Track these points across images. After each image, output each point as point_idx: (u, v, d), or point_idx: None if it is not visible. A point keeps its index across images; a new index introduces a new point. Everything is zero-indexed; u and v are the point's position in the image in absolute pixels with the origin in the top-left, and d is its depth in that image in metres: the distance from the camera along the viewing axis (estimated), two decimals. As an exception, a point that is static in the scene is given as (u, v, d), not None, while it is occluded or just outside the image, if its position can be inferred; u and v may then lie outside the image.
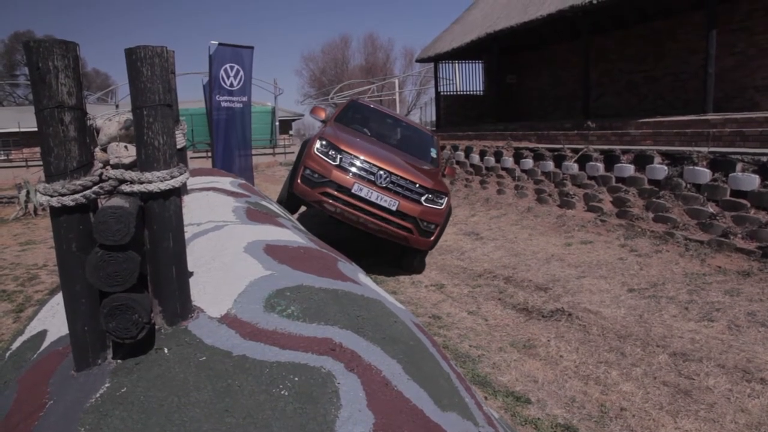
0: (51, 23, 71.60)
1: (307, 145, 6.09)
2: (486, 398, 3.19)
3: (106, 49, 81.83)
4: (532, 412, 3.07)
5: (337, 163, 5.62)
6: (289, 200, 6.33)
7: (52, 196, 1.19)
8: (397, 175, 5.71)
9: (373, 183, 5.61)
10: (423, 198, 5.79)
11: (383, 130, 7.48)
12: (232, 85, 8.49)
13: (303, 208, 8.17)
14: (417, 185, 5.79)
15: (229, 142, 8.70)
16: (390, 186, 5.65)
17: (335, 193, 5.56)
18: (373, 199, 5.56)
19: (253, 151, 9.69)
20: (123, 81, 32.76)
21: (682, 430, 2.90)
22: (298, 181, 5.73)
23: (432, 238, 5.96)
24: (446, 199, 5.98)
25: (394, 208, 5.63)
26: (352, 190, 5.54)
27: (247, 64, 8.61)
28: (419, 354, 1.53)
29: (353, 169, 5.62)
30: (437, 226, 5.91)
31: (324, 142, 5.74)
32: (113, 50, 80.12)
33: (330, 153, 5.67)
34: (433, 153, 7.46)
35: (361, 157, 5.68)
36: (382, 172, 5.66)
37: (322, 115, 6.96)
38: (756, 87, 9.91)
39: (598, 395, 3.28)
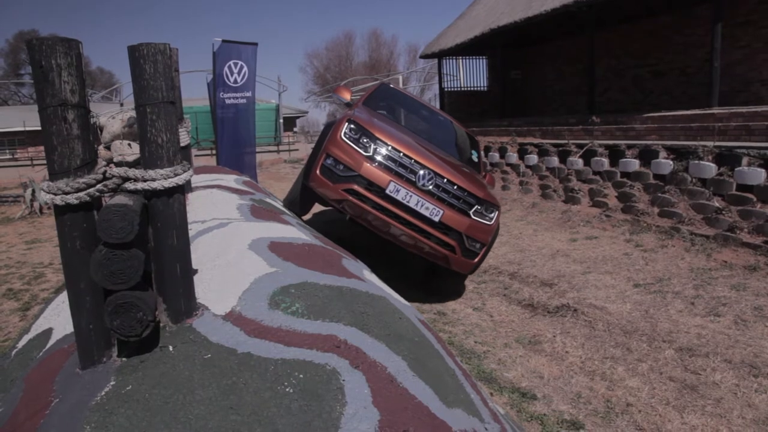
0: (55, 22, 71.72)
1: (329, 128, 4.79)
2: (492, 394, 3.19)
3: (110, 47, 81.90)
4: (538, 408, 3.06)
5: (370, 153, 4.39)
6: (303, 197, 5.09)
7: (56, 195, 1.19)
8: (443, 178, 4.49)
9: (413, 184, 4.39)
10: (472, 210, 4.60)
11: (418, 123, 6.22)
12: (236, 82, 8.50)
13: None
14: (466, 193, 4.58)
15: (233, 140, 8.71)
16: (433, 191, 4.44)
17: (363, 191, 4.32)
18: (411, 204, 4.36)
19: (258, 149, 9.68)
20: (127, 79, 32.77)
21: (689, 426, 2.89)
22: (317, 171, 4.44)
23: (476, 260, 4.73)
24: (497, 213, 4.82)
25: (436, 219, 4.41)
26: (387, 191, 4.32)
27: (251, 61, 8.61)
28: (424, 350, 1.53)
29: (390, 164, 4.40)
30: (484, 246, 4.71)
31: (353, 126, 4.47)
32: (118, 48, 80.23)
33: (361, 140, 4.44)
34: (474, 156, 6.31)
35: (401, 150, 4.45)
36: (425, 172, 4.43)
37: (348, 97, 5.74)
38: (762, 81, 9.84)
39: (604, 391, 3.27)
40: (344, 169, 4.38)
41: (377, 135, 4.47)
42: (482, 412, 1.51)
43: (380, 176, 4.35)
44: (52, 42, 1.17)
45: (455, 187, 4.54)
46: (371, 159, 4.39)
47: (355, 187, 4.33)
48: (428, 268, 5.53)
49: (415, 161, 4.47)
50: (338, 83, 35.40)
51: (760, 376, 3.36)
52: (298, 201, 5.07)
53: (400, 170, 4.42)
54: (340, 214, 5.15)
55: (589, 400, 3.16)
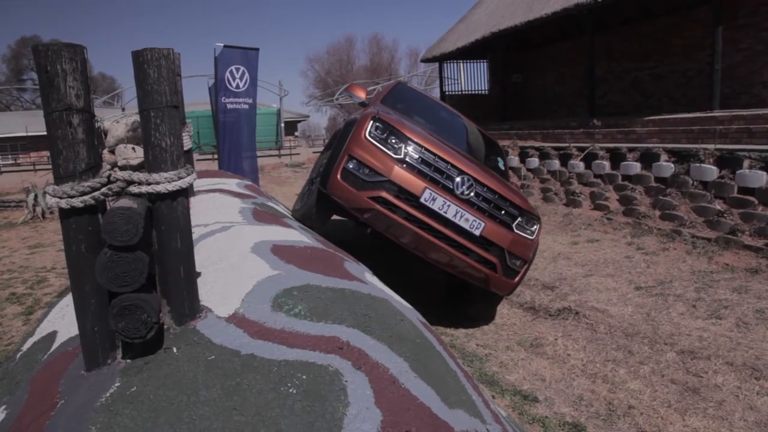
0: (57, 28, 72.00)
1: (351, 126, 4.13)
2: (493, 397, 3.19)
3: (111, 52, 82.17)
4: (540, 411, 3.07)
5: (400, 156, 3.79)
6: (320, 208, 4.27)
7: (61, 198, 1.20)
8: (483, 185, 3.92)
9: (451, 192, 3.81)
10: (515, 222, 4.04)
11: (439, 125, 5.30)
12: (237, 86, 8.52)
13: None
14: (508, 203, 4.01)
15: (235, 144, 8.73)
16: (473, 200, 3.86)
17: (393, 200, 3.71)
18: (449, 215, 3.77)
19: (259, 153, 9.68)
20: (129, 84, 32.92)
21: (691, 428, 2.89)
22: (338, 177, 3.81)
23: (516, 280, 4.15)
24: (538, 226, 4.26)
25: (476, 233, 3.84)
26: (421, 199, 3.73)
27: (253, 66, 8.64)
28: (426, 352, 1.54)
29: (423, 168, 3.81)
30: (525, 263, 4.15)
31: (379, 124, 3.88)
32: (119, 54, 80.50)
33: (390, 141, 3.84)
34: (501, 163, 5.58)
35: (436, 153, 3.87)
36: (463, 179, 3.85)
37: (363, 95, 5.09)
38: (763, 83, 9.85)
39: (605, 393, 3.27)
40: (370, 174, 3.77)
41: (408, 135, 3.88)
42: (484, 413, 1.51)
43: (414, 182, 3.74)
44: (58, 47, 1.19)
45: (496, 196, 3.96)
46: (402, 162, 3.78)
47: (384, 194, 3.71)
48: (453, 286, 4.99)
49: (452, 166, 3.87)
50: (339, 86, 35.45)
51: (761, 378, 3.36)
52: (314, 212, 4.28)
53: (436, 176, 3.82)
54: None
55: (591, 403, 3.17)
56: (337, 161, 3.92)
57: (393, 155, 3.80)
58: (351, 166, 3.81)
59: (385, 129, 3.87)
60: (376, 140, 3.83)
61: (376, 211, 3.75)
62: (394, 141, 3.84)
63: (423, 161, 3.83)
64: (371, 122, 3.89)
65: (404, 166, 3.78)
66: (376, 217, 3.82)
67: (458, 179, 3.85)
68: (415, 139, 3.87)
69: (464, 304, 4.77)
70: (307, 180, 4.88)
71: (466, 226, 3.82)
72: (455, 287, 4.97)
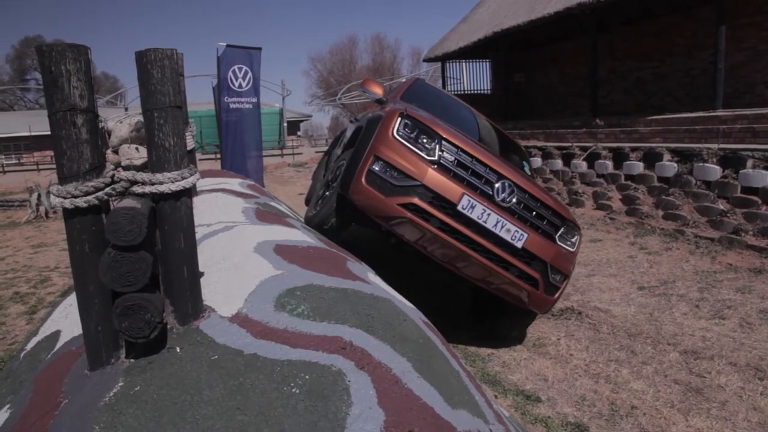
0: (60, 28, 72.20)
1: (375, 124, 3.64)
2: (496, 397, 3.19)
3: (114, 52, 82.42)
4: (543, 411, 3.07)
5: (434, 157, 3.37)
6: (341, 215, 3.77)
7: (65, 198, 1.20)
8: (525, 192, 3.53)
9: (490, 199, 3.40)
10: (558, 233, 3.67)
11: (464, 126, 4.71)
12: (240, 86, 8.53)
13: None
14: (551, 212, 3.63)
15: (238, 144, 8.74)
16: (514, 208, 3.47)
17: (427, 207, 3.29)
18: (489, 225, 3.37)
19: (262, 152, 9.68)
20: (131, 84, 32.99)
21: (694, 429, 2.89)
22: (362, 180, 3.38)
23: (555, 296, 3.79)
24: (579, 237, 3.90)
25: (518, 245, 3.45)
26: (459, 206, 3.31)
27: (255, 66, 8.64)
28: (429, 352, 1.54)
29: (460, 172, 3.40)
30: (565, 278, 3.80)
31: (408, 122, 3.47)
32: (121, 54, 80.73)
33: (420, 140, 3.43)
34: (526, 168, 5.18)
35: (474, 155, 3.46)
36: (504, 184, 3.44)
37: (379, 91, 4.57)
38: (766, 83, 9.82)
39: (608, 393, 3.27)
40: (400, 177, 3.34)
41: (442, 133, 3.45)
42: (487, 413, 1.51)
43: (450, 187, 3.32)
44: (62, 48, 1.19)
45: (538, 203, 3.57)
46: (436, 164, 3.36)
47: (416, 200, 3.29)
48: (479, 302, 4.58)
49: (491, 169, 3.45)
50: (342, 86, 35.45)
51: (765, 378, 3.36)
52: (333, 220, 3.79)
53: (474, 180, 3.41)
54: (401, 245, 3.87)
55: (594, 403, 3.16)
56: (360, 163, 3.45)
57: (425, 156, 3.36)
58: (377, 168, 3.38)
59: (415, 127, 3.46)
60: (405, 139, 3.41)
61: (409, 219, 3.31)
62: (425, 140, 3.43)
63: (459, 164, 3.41)
64: (399, 119, 3.47)
65: (438, 168, 3.35)
66: (405, 227, 3.39)
67: (498, 185, 3.43)
68: (450, 139, 3.45)
69: (490, 321, 4.37)
70: (322, 183, 4.32)
71: (507, 237, 3.41)
72: (482, 303, 4.53)
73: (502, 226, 3.40)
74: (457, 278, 3.86)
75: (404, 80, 6.92)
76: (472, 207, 3.34)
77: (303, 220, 4.15)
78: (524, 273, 3.52)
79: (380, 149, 3.41)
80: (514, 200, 3.46)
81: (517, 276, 3.52)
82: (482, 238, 3.38)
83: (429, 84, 6.06)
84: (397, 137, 3.42)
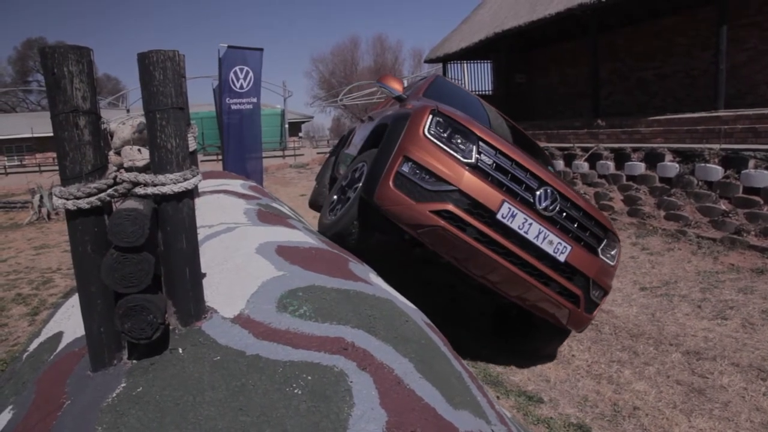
0: (62, 30, 72.35)
1: (402, 122, 3.30)
2: (498, 398, 3.19)
3: (116, 54, 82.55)
4: (545, 412, 3.06)
5: (471, 160, 3.03)
6: (363, 223, 3.35)
7: (67, 199, 1.21)
8: (567, 200, 3.22)
9: (531, 207, 3.09)
10: (601, 245, 3.39)
11: (490, 127, 4.21)
12: (241, 87, 8.53)
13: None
14: (593, 222, 3.35)
15: (239, 145, 8.75)
16: (556, 217, 3.16)
17: (464, 215, 2.95)
18: (530, 236, 3.06)
19: (263, 154, 9.69)
20: (133, 86, 33.06)
21: (696, 429, 2.88)
22: (390, 184, 3.04)
23: (594, 314, 3.52)
24: (619, 249, 3.62)
25: (561, 258, 3.15)
26: (498, 215, 2.99)
27: (257, 66, 8.65)
28: (431, 353, 1.54)
29: (500, 177, 3.08)
30: (605, 294, 3.54)
31: (440, 120, 3.14)
32: (123, 55, 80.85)
33: (455, 140, 3.09)
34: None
35: (513, 158, 3.15)
36: (546, 191, 3.13)
37: (399, 88, 4.23)
38: (768, 83, 9.83)
39: (610, 394, 3.27)
40: (433, 181, 2.99)
41: (479, 134, 3.12)
42: (489, 414, 1.51)
43: (489, 193, 2.98)
44: (64, 50, 1.19)
45: (581, 213, 3.28)
46: (473, 167, 3.02)
47: (451, 207, 2.94)
48: (503, 317, 4.27)
49: (531, 174, 3.14)
50: (343, 87, 35.46)
51: (767, 379, 3.35)
52: (355, 229, 3.38)
53: (514, 186, 3.08)
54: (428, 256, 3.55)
55: (596, 404, 3.16)
56: (387, 164, 3.12)
57: (461, 158, 3.02)
58: (406, 170, 3.04)
59: (448, 125, 3.12)
60: (437, 139, 3.08)
61: (440, 228, 2.96)
62: (459, 141, 3.09)
63: (498, 167, 3.08)
64: (430, 117, 3.14)
65: (476, 172, 3.01)
66: (437, 236, 3.03)
67: (540, 192, 3.11)
68: (488, 140, 3.13)
69: (516, 339, 4.05)
70: (335, 188, 3.94)
71: (549, 250, 3.10)
72: (508, 320, 4.19)
73: (544, 238, 3.08)
74: (462, 280, 3.66)
75: (420, 77, 6.51)
76: (513, 216, 3.01)
77: (304, 222, 4.08)
78: (566, 289, 3.23)
79: (410, 149, 3.07)
80: (556, 210, 3.14)
81: (557, 292, 3.22)
82: (522, 250, 3.06)
83: (449, 81, 5.69)
84: (429, 136, 3.09)
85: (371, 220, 3.29)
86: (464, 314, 4.77)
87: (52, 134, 1.23)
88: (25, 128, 28.82)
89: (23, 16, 70.99)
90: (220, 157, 10.39)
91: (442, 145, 3.05)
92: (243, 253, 1.82)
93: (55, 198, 1.24)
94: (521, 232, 3.03)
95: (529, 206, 3.07)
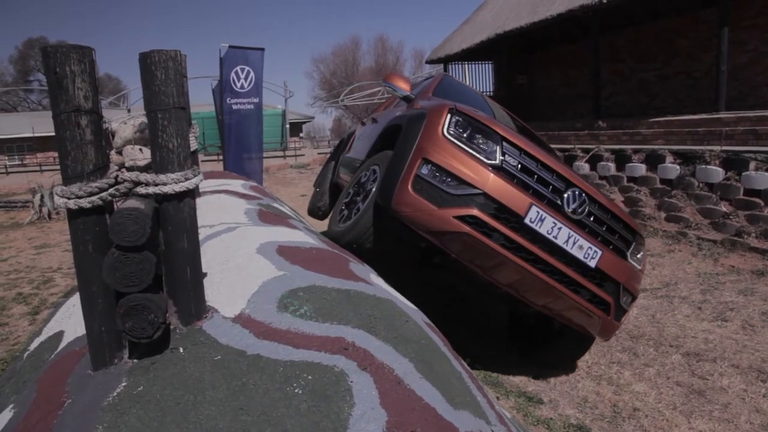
0: (63, 29, 72.47)
1: (417, 122, 3.13)
2: (498, 398, 3.19)
3: (117, 54, 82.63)
4: (545, 413, 3.06)
5: (495, 161, 2.85)
6: (379, 229, 3.18)
7: (69, 199, 1.21)
8: (595, 202, 3.07)
9: (559, 210, 2.92)
10: (630, 249, 3.25)
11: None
12: (242, 87, 8.54)
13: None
14: (621, 224, 3.20)
15: (240, 145, 8.76)
16: (585, 221, 3.01)
17: (489, 220, 2.77)
18: (559, 241, 2.89)
19: (264, 154, 9.69)
20: (134, 85, 33.08)
21: (696, 431, 2.88)
22: (409, 188, 2.86)
23: (622, 321, 3.37)
24: (644, 252, 3.49)
25: (591, 264, 2.99)
26: (526, 219, 2.81)
27: (258, 66, 8.66)
28: (431, 353, 1.54)
29: (526, 179, 2.90)
30: (633, 300, 3.39)
31: (460, 119, 2.96)
32: (125, 55, 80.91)
33: (476, 140, 2.92)
34: None
35: (539, 158, 2.98)
36: (574, 193, 2.97)
37: (407, 87, 4.01)
38: (769, 84, 9.83)
39: (610, 395, 3.27)
40: (456, 184, 2.80)
41: (502, 133, 2.95)
42: (489, 414, 1.52)
43: (516, 197, 2.80)
44: (66, 49, 1.19)
45: (609, 215, 3.13)
46: (498, 169, 2.84)
47: (476, 212, 2.75)
48: (520, 324, 4.05)
49: (558, 176, 2.98)
50: (344, 87, 35.46)
51: (767, 381, 3.35)
52: (370, 237, 3.20)
53: (541, 188, 2.91)
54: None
55: (596, 405, 3.16)
56: (404, 168, 2.93)
57: (485, 160, 2.84)
58: (425, 173, 2.85)
59: (468, 125, 2.94)
60: (457, 139, 2.89)
61: (465, 235, 2.76)
62: (481, 141, 2.91)
63: (523, 169, 2.90)
64: (449, 116, 2.97)
65: (501, 174, 2.83)
66: (461, 243, 2.83)
67: (568, 194, 2.94)
68: (512, 140, 2.95)
69: (535, 348, 3.84)
70: (345, 193, 3.76)
71: (579, 255, 2.94)
72: (526, 328, 3.97)
73: (574, 242, 2.92)
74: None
75: (423, 77, 6.28)
76: (542, 220, 2.83)
77: (304, 222, 4.03)
78: (596, 296, 3.07)
79: (428, 150, 2.88)
80: (585, 213, 2.98)
81: (587, 300, 3.05)
82: (551, 256, 2.88)
83: (456, 80, 5.55)
84: (448, 136, 2.90)
85: (388, 227, 3.12)
86: (464, 314, 4.77)
87: (53, 134, 1.23)
88: (26, 128, 28.85)
89: (24, 15, 71.11)
90: (220, 157, 10.40)
91: (463, 145, 2.87)
92: (244, 253, 1.82)
93: (56, 197, 1.24)
94: (550, 237, 2.86)
95: (557, 209, 2.90)
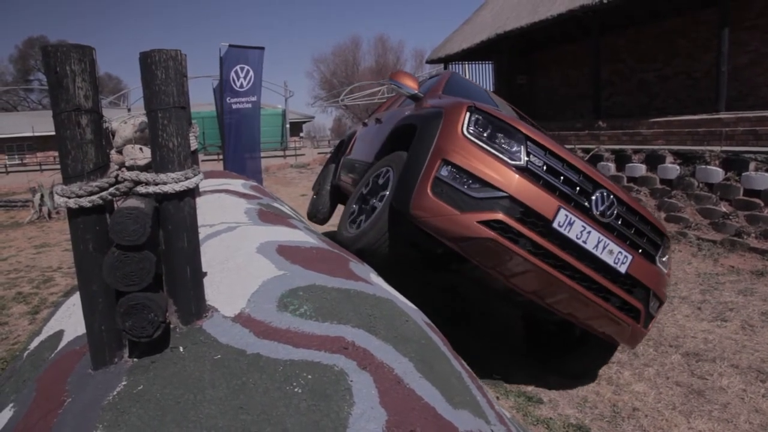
0: (63, 28, 72.47)
1: (432, 121, 2.98)
2: (498, 398, 3.19)
3: (117, 53, 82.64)
4: (544, 412, 3.07)
5: (521, 162, 2.70)
6: (395, 235, 3.02)
7: (69, 198, 1.21)
8: (623, 203, 2.91)
9: (587, 213, 2.76)
10: (658, 252, 3.09)
11: None
12: (242, 86, 8.55)
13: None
14: (649, 227, 3.05)
15: (240, 145, 8.76)
16: (614, 224, 2.84)
17: (516, 224, 2.60)
18: (589, 245, 2.72)
19: (264, 154, 9.70)
20: (135, 85, 33.09)
21: (696, 431, 2.88)
22: (428, 191, 2.69)
23: (649, 328, 3.21)
24: (670, 254, 3.35)
25: (622, 269, 2.83)
26: (554, 223, 2.65)
27: (258, 65, 8.66)
28: (431, 353, 1.54)
29: (552, 180, 2.73)
30: (660, 305, 3.25)
31: (480, 118, 2.80)
32: (125, 55, 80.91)
33: (498, 140, 2.75)
34: None
35: (564, 158, 2.82)
36: (603, 195, 2.81)
37: (414, 86, 3.85)
38: (769, 85, 9.83)
39: (610, 395, 3.27)
40: (479, 187, 2.63)
41: (525, 132, 2.78)
42: (488, 414, 1.52)
43: (544, 199, 2.64)
44: (67, 49, 1.19)
45: (637, 217, 2.96)
46: (523, 170, 2.67)
47: (502, 216, 2.57)
48: (539, 331, 3.89)
49: (585, 176, 2.81)
50: (344, 87, 35.45)
51: (767, 381, 3.35)
52: (386, 243, 3.03)
53: (567, 190, 2.74)
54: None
55: (596, 405, 3.16)
56: (422, 169, 2.77)
57: (509, 160, 2.67)
58: (445, 174, 2.68)
59: (488, 124, 2.78)
60: (478, 138, 2.73)
61: (490, 241, 2.57)
62: (503, 141, 2.74)
63: (549, 170, 2.74)
64: (468, 114, 2.80)
65: (527, 176, 2.66)
66: (484, 250, 2.64)
67: (597, 195, 2.78)
68: (536, 139, 2.78)
69: (555, 358, 3.66)
70: (355, 196, 3.57)
71: (609, 260, 2.77)
72: (544, 335, 3.82)
73: (604, 247, 2.75)
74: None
75: (426, 76, 6.03)
76: (570, 224, 2.67)
77: (304, 222, 4.00)
78: (626, 303, 2.91)
79: (448, 151, 2.71)
80: (614, 214, 2.82)
81: (617, 307, 2.88)
82: (580, 262, 2.72)
83: (464, 78, 5.34)
84: (468, 136, 2.73)
85: (403, 232, 2.96)
86: (464, 314, 4.77)
87: (53, 133, 1.23)
88: (26, 127, 28.83)
89: (24, 14, 71.12)
90: (220, 156, 10.40)
91: (484, 145, 2.70)
92: (244, 253, 1.82)
93: (56, 196, 1.24)
94: (579, 241, 2.69)
95: (585, 212, 2.74)
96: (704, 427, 2.90)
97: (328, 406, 1.16)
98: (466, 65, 18.71)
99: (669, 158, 7.95)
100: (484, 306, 4.94)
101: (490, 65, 18.19)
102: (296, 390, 1.18)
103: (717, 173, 7.10)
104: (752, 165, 6.70)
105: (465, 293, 5.12)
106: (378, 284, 1.88)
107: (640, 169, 8.37)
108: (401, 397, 1.24)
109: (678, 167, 7.73)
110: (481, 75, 18.59)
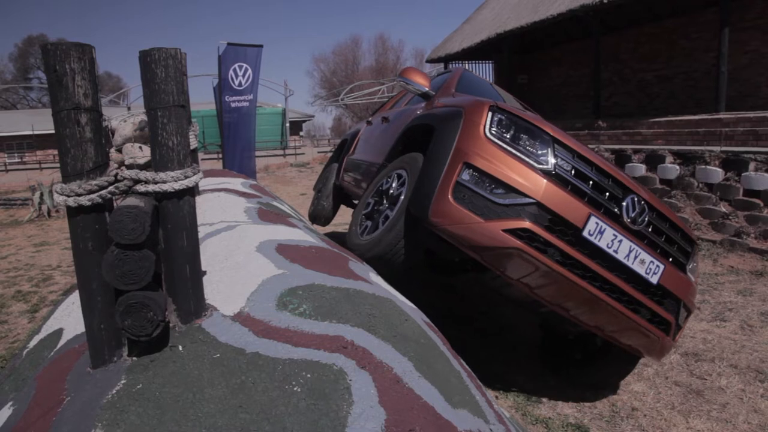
0: (63, 27, 72.44)
1: (451, 122, 2.79)
2: (497, 397, 3.19)
3: (117, 52, 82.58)
4: (543, 412, 3.07)
5: (548, 166, 2.51)
6: (410, 242, 2.84)
7: (68, 196, 1.21)
8: (654, 210, 2.75)
9: (617, 220, 2.58)
10: (689, 261, 2.95)
11: None
12: (240, 84, 8.54)
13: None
14: (680, 234, 2.89)
15: (239, 143, 8.76)
16: (644, 232, 2.67)
17: (544, 233, 2.41)
18: (620, 255, 2.55)
19: (264, 153, 9.72)
20: (134, 83, 33.06)
21: (694, 430, 2.88)
22: (449, 197, 2.50)
23: (677, 339, 3.07)
24: (698, 262, 3.18)
25: (654, 280, 2.67)
26: (584, 232, 2.47)
27: (256, 63, 8.65)
28: (430, 352, 1.54)
29: (581, 186, 2.54)
30: (689, 315, 3.11)
31: (503, 118, 2.62)
32: (124, 53, 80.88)
33: (524, 142, 2.56)
34: None
35: (594, 162, 2.63)
36: (633, 200, 2.63)
37: (425, 83, 3.67)
38: (769, 85, 9.83)
39: (609, 395, 3.27)
40: (504, 192, 2.44)
41: (553, 134, 2.60)
42: (487, 413, 1.52)
43: (574, 206, 2.45)
44: (66, 47, 1.19)
45: (667, 224, 2.80)
46: (551, 175, 2.48)
47: (529, 225, 2.38)
48: (556, 341, 3.70)
49: (614, 181, 2.64)
50: (345, 86, 35.45)
51: (766, 381, 3.35)
52: (401, 251, 2.84)
53: (597, 196, 2.55)
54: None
55: (595, 404, 3.16)
56: (442, 173, 2.58)
57: (535, 164, 2.48)
58: (467, 179, 2.49)
59: (512, 125, 2.59)
60: (501, 140, 2.54)
61: (516, 251, 2.38)
62: (528, 143, 2.55)
63: (578, 174, 2.55)
64: (489, 114, 2.61)
65: (555, 181, 2.46)
66: (510, 260, 2.45)
67: (627, 201, 2.60)
68: (563, 141, 2.60)
69: (575, 369, 3.54)
70: (365, 201, 3.41)
71: (641, 270, 2.60)
72: (563, 346, 3.64)
73: (636, 256, 2.58)
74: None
75: (441, 72, 5.83)
76: (601, 232, 2.48)
77: (304, 221, 3.97)
78: (657, 315, 2.74)
79: (469, 153, 2.51)
80: (645, 221, 2.65)
81: (647, 320, 2.71)
82: (611, 273, 2.53)
83: (476, 75, 5.10)
84: (491, 137, 2.54)
85: (421, 239, 2.81)
86: (464, 314, 4.77)
87: (52, 131, 1.23)
88: (25, 125, 28.80)
89: (24, 13, 71.08)
90: (220, 155, 10.41)
91: (509, 148, 2.51)
92: (243, 252, 1.82)
93: (56, 195, 1.24)
94: (610, 251, 2.51)
95: (615, 219, 2.56)
96: (703, 427, 2.90)
97: (327, 405, 1.16)
98: (467, 65, 18.69)
99: (669, 158, 7.95)
100: (484, 306, 4.94)
101: (491, 65, 18.19)
102: (295, 389, 1.18)
103: (717, 173, 7.10)
104: (752, 165, 6.70)
105: (465, 293, 5.12)
106: (377, 283, 1.88)
107: (640, 169, 8.37)
108: (400, 397, 1.24)
109: (678, 167, 7.73)
110: (481, 74, 18.58)
